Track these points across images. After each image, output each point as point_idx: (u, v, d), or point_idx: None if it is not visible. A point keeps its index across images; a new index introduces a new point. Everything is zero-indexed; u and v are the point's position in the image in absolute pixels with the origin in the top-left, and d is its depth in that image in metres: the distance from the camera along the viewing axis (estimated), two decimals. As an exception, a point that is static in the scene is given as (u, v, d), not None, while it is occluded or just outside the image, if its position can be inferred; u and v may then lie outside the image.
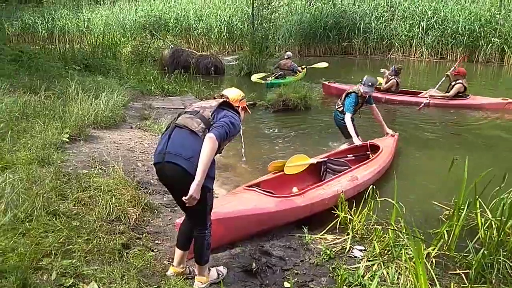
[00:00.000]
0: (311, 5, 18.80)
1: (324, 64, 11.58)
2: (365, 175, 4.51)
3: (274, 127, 7.30)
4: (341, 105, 5.85)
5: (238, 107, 2.85)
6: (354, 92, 5.64)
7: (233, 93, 2.87)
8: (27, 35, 20.35)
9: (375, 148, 5.40)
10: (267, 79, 10.57)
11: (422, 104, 8.41)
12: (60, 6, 22.11)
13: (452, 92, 8.49)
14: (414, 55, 16.94)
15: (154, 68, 11.58)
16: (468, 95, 8.58)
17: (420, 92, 9.15)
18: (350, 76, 12.64)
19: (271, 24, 13.20)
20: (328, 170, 4.87)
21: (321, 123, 7.64)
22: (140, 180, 4.04)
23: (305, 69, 11.69)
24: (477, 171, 3.65)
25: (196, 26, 18.80)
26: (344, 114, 5.70)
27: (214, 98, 2.80)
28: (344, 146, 5.74)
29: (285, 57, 11.24)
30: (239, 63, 12.71)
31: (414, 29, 16.46)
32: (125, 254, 2.80)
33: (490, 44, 14.94)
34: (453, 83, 8.55)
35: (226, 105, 2.69)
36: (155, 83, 9.21)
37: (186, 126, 2.49)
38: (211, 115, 2.54)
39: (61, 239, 2.66)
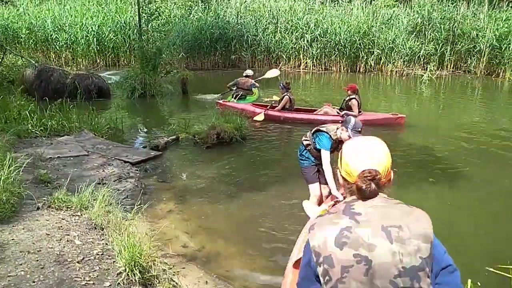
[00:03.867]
0: (191, 14, 17.48)
1: (276, 72, 10.13)
2: None
3: (215, 173, 5.67)
4: (308, 140, 4.21)
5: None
6: (327, 133, 4.03)
7: (384, 159, 1.35)
8: None
9: None
10: (233, 100, 9.50)
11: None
12: None
13: (356, 110, 8.16)
14: (300, 66, 17.04)
15: (10, 94, 8.70)
16: (361, 112, 8.34)
17: (315, 110, 8.77)
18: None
19: (162, 37, 11.49)
20: None
21: (268, 157, 6.50)
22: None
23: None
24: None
25: (57, 37, 15.72)
26: (308, 149, 4.18)
27: (360, 190, 1.29)
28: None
29: (244, 75, 9.94)
30: (130, 83, 10.66)
31: (300, 41, 16.50)
32: None
33: (372, 55, 15.79)
34: (347, 99, 8.29)
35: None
36: (32, 120, 6.79)
37: None
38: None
39: None
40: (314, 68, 16.86)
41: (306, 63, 16.83)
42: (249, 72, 10.18)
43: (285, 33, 16.78)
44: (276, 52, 16.72)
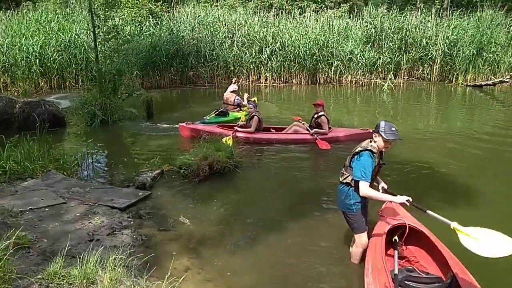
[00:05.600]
0: (143, 29, 16.54)
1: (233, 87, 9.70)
2: None
3: (219, 213, 5.00)
4: (346, 174, 3.62)
5: None
6: (366, 150, 3.48)
7: None
8: None
9: (399, 229, 3.58)
10: (204, 117, 9.00)
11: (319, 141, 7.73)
12: None
13: (326, 128, 8.01)
14: (260, 80, 16.69)
15: None
16: (331, 128, 8.17)
17: (284, 128, 8.44)
18: (201, 108, 11.03)
19: (120, 57, 10.57)
20: None
21: (269, 186, 5.98)
22: None
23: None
24: None
25: (-7, 59, 14.12)
26: (352, 186, 3.53)
27: None
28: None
29: (229, 90, 9.69)
30: (88, 109, 9.62)
31: (260, 55, 16.18)
32: None
33: (332, 67, 15.81)
34: (315, 116, 8.12)
35: None
36: (-13, 163, 5.75)
37: None
38: None
39: None
40: (274, 81, 16.60)
41: (266, 76, 16.53)
42: (233, 86, 9.82)
43: (243, 47, 16.38)
44: (236, 67, 16.25)
